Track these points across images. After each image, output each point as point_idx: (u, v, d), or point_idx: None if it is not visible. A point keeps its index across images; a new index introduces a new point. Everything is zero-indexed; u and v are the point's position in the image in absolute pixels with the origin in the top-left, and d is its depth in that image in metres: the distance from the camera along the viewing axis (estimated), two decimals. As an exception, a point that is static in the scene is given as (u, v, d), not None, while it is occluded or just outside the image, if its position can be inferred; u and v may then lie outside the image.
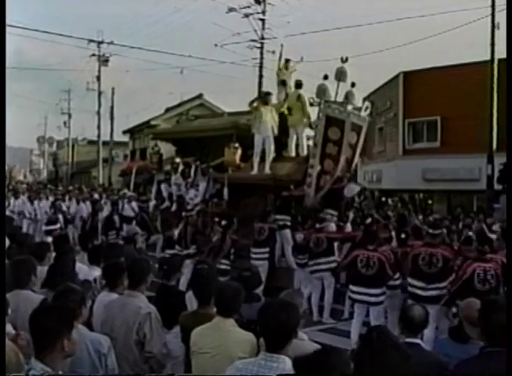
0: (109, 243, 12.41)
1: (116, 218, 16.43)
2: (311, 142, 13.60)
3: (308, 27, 47.84)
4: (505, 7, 18.14)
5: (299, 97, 13.87)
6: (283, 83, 14.44)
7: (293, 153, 14.13)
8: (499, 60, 18.23)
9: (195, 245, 12.18)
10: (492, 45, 18.13)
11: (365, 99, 27.55)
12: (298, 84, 14.06)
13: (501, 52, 18.37)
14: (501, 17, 18.11)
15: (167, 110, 37.13)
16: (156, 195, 17.45)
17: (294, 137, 14.13)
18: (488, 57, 18.42)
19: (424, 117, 23.77)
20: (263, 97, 14.32)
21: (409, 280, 8.74)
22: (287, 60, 14.91)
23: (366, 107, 13.64)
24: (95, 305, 5.25)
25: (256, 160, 13.67)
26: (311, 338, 4.80)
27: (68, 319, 3.38)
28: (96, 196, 20.70)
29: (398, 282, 9.30)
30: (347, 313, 10.39)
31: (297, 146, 14.14)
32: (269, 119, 13.62)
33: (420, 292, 8.46)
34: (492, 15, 18.03)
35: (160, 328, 4.92)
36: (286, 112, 14.28)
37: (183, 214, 13.75)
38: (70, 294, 4.19)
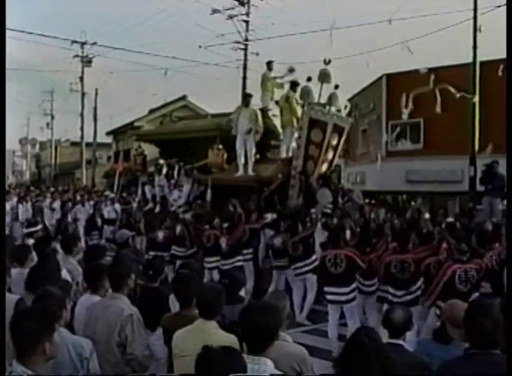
0: (90, 244, 12.36)
1: (98, 219, 16.36)
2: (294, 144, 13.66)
3: (292, 28, 47.93)
4: (488, 10, 18.42)
5: (287, 98, 13.91)
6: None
7: (283, 155, 14.15)
8: (481, 63, 18.37)
9: (196, 246, 12.37)
10: (475, 47, 18.25)
11: (349, 101, 27.73)
12: (292, 85, 14.08)
13: (483, 55, 18.55)
14: (483, 20, 18.28)
15: (151, 111, 37.01)
16: (140, 197, 17.41)
17: (286, 138, 14.16)
18: (470, 60, 18.53)
19: (407, 119, 23.87)
20: (243, 99, 14.34)
21: (383, 287, 8.83)
22: (269, 62, 14.92)
23: (345, 106, 13.79)
24: (77, 308, 5.24)
25: (240, 161, 13.70)
26: (295, 339, 4.81)
27: (49, 322, 3.36)
28: (86, 198, 20.58)
29: (372, 288, 9.27)
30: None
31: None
32: (248, 120, 13.65)
33: (396, 299, 8.49)
34: (474, 18, 18.14)
35: (142, 330, 4.91)
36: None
37: (180, 216, 13.70)
38: (50, 297, 4.17)
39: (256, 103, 15.07)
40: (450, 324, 4.56)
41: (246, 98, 14.28)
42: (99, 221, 16.30)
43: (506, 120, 8.28)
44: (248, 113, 13.73)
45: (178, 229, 12.70)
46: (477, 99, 18.13)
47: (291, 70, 14.61)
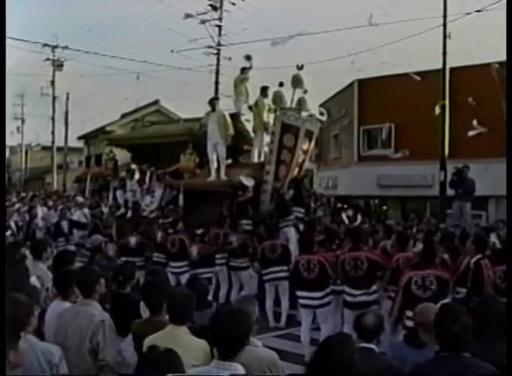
0: (59, 250, 12.19)
1: (64, 224, 16.17)
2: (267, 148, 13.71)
3: (264, 34, 48.08)
4: (457, 18, 18.67)
5: (256, 103, 14.00)
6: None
7: (256, 159, 14.18)
8: (451, 69, 18.60)
9: None
10: (444, 54, 18.46)
11: (321, 106, 27.90)
12: (262, 90, 14.18)
13: (453, 61, 18.77)
14: (452, 27, 18.51)
15: (123, 115, 36.80)
16: (112, 202, 17.28)
17: (257, 143, 14.22)
18: (440, 66, 18.75)
19: (378, 124, 24.08)
20: (209, 103, 14.26)
21: (341, 286, 8.86)
22: (244, 68, 14.93)
23: (321, 112, 13.93)
24: (47, 315, 5.18)
25: (213, 166, 13.70)
26: (267, 344, 4.82)
27: (14, 331, 3.32)
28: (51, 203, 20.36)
29: (340, 287, 9.24)
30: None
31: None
32: (217, 125, 13.65)
33: (350, 299, 8.57)
34: (444, 25, 18.36)
35: (113, 336, 4.87)
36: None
37: (160, 221, 13.57)
38: (17, 304, 4.11)
39: (230, 107, 15.14)
40: (422, 329, 4.58)
41: (213, 102, 14.23)
42: (65, 226, 16.12)
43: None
44: (216, 117, 13.74)
45: (159, 236, 12.60)
46: (446, 103, 18.31)
47: (248, 58, 14.69)
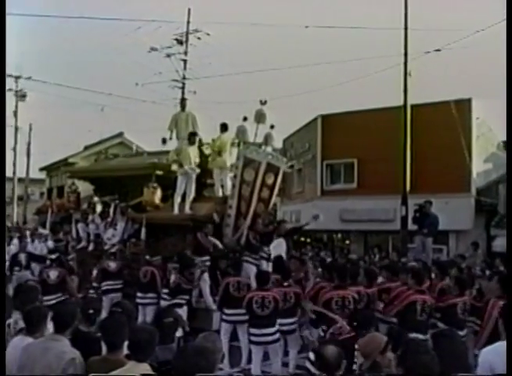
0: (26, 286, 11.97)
1: (22, 256, 15.83)
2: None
3: (229, 68, 48.51)
4: (417, 56, 19.15)
5: (218, 138, 13.99)
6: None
7: (220, 194, 14.14)
8: (412, 106, 18.98)
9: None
10: (405, 91, 18.85)
11: (285, 141, 28.20)
12: (222, 126, 14.18)
13: (414, 98, 19.17)
14: (413, 65, 18.96)
15: (86, 147, 36.61)
16: (74, 234, 17.07)
17: (220, 178, 14.19)
18: (401, 102, 19.12)
19: (341, 159, 24.35)
20: (189, 138, 14.19)
21: None
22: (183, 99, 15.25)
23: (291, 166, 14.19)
24: (8, 350, 5.06)
25: (177, 200, 13.63)
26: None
27: None
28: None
29: (294, 326, 9.43)
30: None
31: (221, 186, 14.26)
32: (193, 159, 13.69)
33: None
34: (405, 63, 18.78)
35: (84, 374, 4.77)
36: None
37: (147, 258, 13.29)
38: None
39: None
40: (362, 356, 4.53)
41: (192, 137, 14.11)
42: (23, 259, 15.76)
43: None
44: (193, 151, 13.77)
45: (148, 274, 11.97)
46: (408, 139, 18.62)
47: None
